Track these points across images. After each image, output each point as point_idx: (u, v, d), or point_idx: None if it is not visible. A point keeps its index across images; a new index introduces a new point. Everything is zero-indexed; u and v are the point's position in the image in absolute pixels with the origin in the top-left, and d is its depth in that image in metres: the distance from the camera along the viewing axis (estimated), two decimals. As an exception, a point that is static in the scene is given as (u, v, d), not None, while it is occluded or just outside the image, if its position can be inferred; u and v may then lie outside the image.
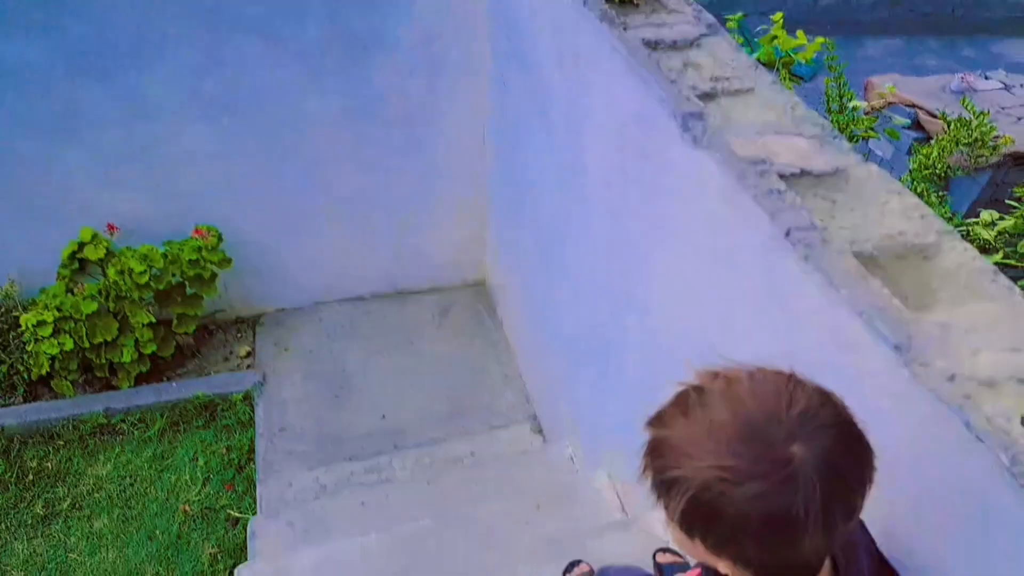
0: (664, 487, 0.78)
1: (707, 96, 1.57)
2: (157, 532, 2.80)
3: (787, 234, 1.23)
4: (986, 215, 2.85)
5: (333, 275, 3.47)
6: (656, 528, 2.02)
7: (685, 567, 1.82)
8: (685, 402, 0.80)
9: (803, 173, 1.37)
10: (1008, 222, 2.78)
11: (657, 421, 0.83)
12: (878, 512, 1.12)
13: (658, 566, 1.90)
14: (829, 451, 0.73)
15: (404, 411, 3.15)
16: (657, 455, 0.80)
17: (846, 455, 0.74)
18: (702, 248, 1.53)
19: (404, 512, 2.47)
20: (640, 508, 2.16)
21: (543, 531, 2.24)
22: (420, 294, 3.64)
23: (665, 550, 1.94)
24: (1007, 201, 3.24)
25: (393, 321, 3.50)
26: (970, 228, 2.82)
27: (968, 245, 1.22)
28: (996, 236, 2.79)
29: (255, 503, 2.81)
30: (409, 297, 3.62)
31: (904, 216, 1.29)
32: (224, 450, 3.03)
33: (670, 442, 0.78)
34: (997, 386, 1.00)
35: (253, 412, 3.12)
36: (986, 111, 4.17)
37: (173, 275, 2.99)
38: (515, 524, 2.28)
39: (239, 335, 3.45)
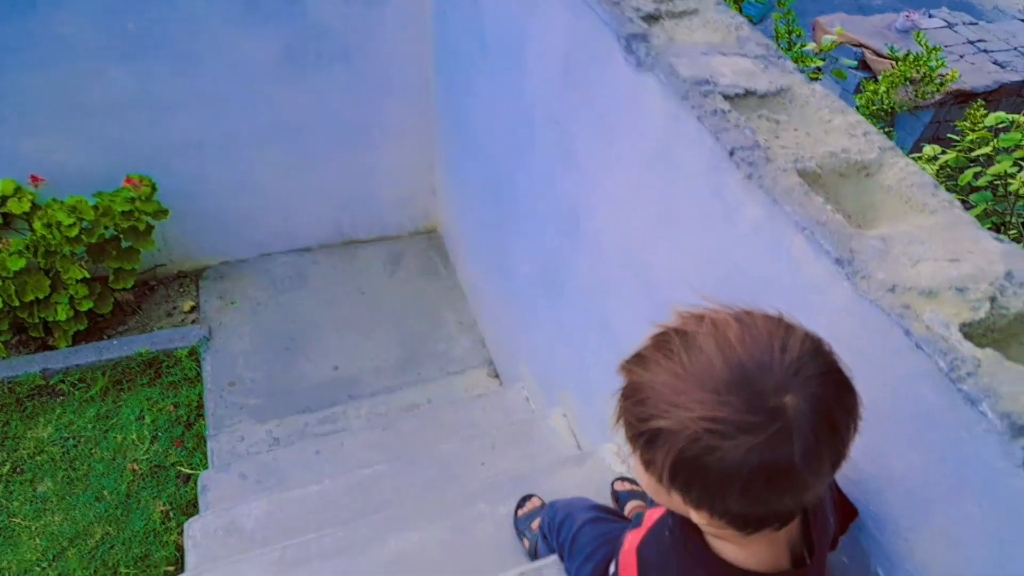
0: (646, 439, 0.72)
1: (651, 18, 1.52)
2: (105, 492, 2.73)
3: (731, 154, 1.20)
4: (929, 150, 2.89)
5: (278, 225, 3.37)
6: (609, 461, 2.04)
7: (643, 495, 1.84)
8: (667, 345, 0.73)
9: (747, 93, 1.35)
10: (949, 155, 2.82)
11: (637, 363, 0.75)
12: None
13: (616, 494, 1.92)
14: (822, 401, 0.69)
15: (357, 361, 3.11)
16: (637, 401, 0.73)
17: (838, 404, 0.71)
18: (649, 173, 1.51)
19: (359, 459, 2.45)
20: (593, 444, 2.18)
21: (499, 470, 2.25)
22: (370, 243, 3.56)
23: (623, 479, 1.96)
24: (949, 136, 3.29)
25: (343, 271, 3.42)
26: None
27: (910, 160, 1.22)
28: (938, 170, 2.84)
29: (206, 459, 2.76)
30: (359, 246, 3.54)
31: (847, 134, 1.28)
32: (171, 407, 2.95)
33: (652, 388, 0.71)
34: (936, 295, 1.00)
35: (200, 367, 3.04)
36: (938, 47, 4.21)
37: (106, 228, 2.86)
38: (471, 464, 2.28)
39: (182, 290, 3.34)
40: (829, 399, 0.70)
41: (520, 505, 1.93)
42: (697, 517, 0.78)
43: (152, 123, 2.86)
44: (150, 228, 2.99)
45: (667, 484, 0.73)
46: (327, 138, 3.13)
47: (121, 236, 2.96)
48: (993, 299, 0.99)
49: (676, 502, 0.77)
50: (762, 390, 0.68)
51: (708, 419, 0.67)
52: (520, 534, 1.88)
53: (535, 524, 1.84)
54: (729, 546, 0.86)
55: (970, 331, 0.97)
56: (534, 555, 1.78)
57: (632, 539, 1.02)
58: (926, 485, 0.96)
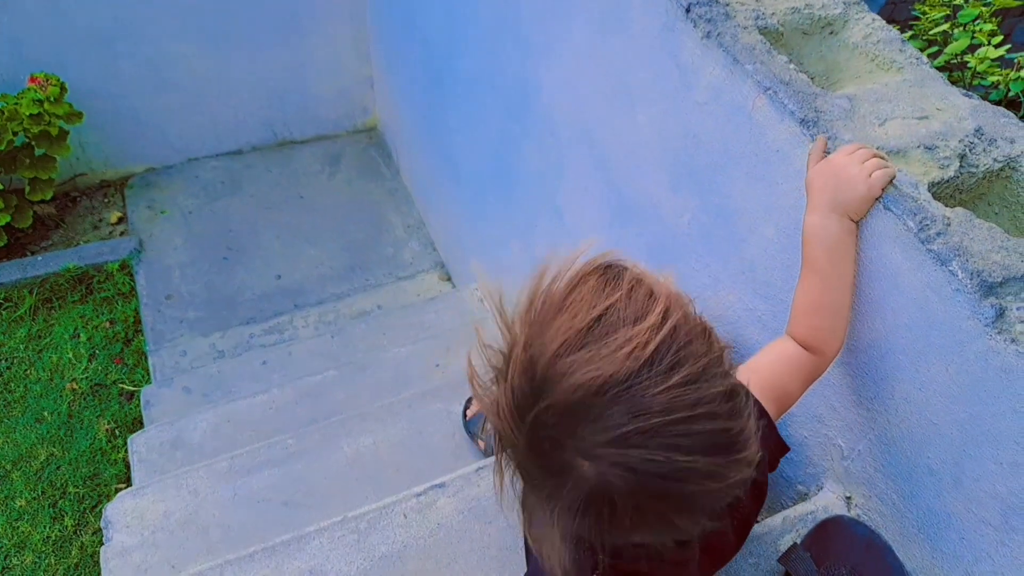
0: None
1: None
2: (45, 414, 2.63)
3: (688, 10, 1.10)
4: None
5: (205, 127, 3.15)
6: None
7: None
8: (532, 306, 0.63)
9: (703, -53, 1.24)
10: (907, 36, 2.75)
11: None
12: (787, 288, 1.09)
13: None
14: (633, 488, 0.57)
15: (301, 269, 2.99)
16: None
17: (659, 495, 0.58)
18: (600, 39, 1.39)
19: (308, 367, 2.38)
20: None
21: (453, 370, 2.20)
22: (306, 143, 3.37)
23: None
24: (909, 22, 3.20)
25: (278, 174, 3.24)
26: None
27: (876, 16, 1.14)
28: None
29: (148, 375, 2.66)
30: (294, 147, 3.35)
31: (810, -12, 1.19)
32: (107, 324, 2.82)
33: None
34: (905, 155, 0.94)
35: (134, 281, 2.90)
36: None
37: (14, 133, 2.63)
38: (426, 367, 2.23)
39: (107, 200, 3.13)
40: (645, 490, 0.57)
41: (467, 406, 1.87)
42: None
43: (52, 13, 2.59)
44: (64, 133, 2.77)
45: None
46: (250, 25, 2.89)
47: (33, 143, 2.73)
48: (963, 156, 0.94)
49: None
50: (552, 456, 0.59)
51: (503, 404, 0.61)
52: (472, 436, 1.83)
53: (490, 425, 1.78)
54: None
55: (939, 190, 0.92)
56: (489, 455, 1.74)
57: None
58: (891, 352, 0.93)
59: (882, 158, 0.91)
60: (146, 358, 2.71)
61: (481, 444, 1.79)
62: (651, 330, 0.56)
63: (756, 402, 0.88)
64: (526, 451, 0.61)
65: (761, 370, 0.95)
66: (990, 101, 1.31)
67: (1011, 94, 1.55)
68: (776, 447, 0.97)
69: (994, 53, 1.49)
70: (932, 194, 0.89)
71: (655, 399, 0.55)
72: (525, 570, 0.97)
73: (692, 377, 0.56)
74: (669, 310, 0.58)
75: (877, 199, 0.88)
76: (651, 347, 0.56)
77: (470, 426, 1.84)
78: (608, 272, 0.62)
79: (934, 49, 2.55)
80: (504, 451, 0.65)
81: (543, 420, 0.58)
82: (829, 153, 0.94)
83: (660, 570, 0.79)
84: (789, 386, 0.96)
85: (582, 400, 0.56)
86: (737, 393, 0.60)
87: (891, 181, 0.89)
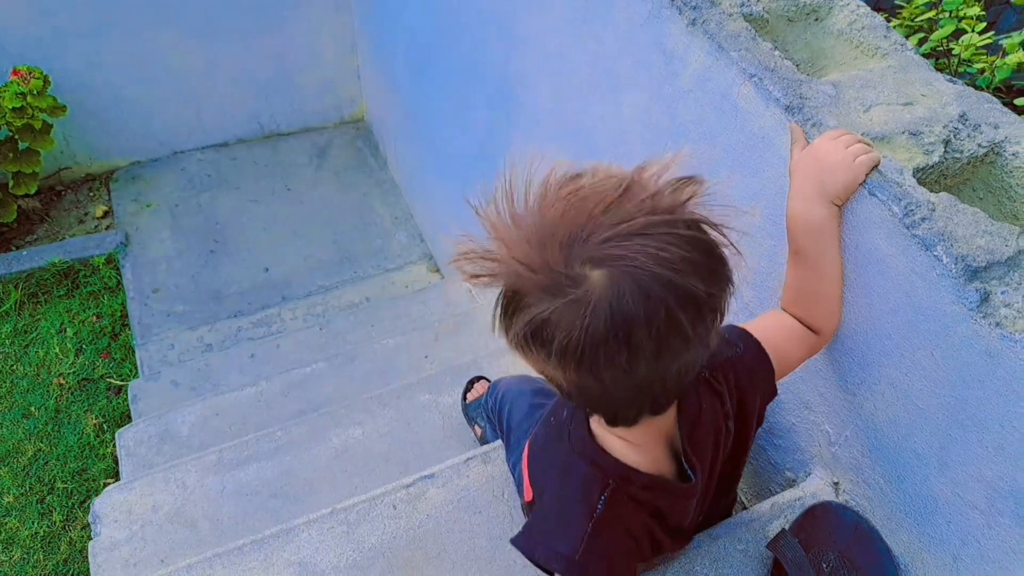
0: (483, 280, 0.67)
1: None
2: (32, 409, 2.61)
3: (672, -3, 1.10)
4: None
5: (190, 120, 3.13)
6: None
7: None
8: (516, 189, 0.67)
9: (688, -67, 1.23)
10: (893, 23, 2.75)
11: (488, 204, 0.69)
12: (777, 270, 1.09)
13: None
14: (637, 284, 0.61)
15: (288, 261, 2.98)
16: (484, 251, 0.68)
17: (665, 293, 0.61)
18: (585, 29, 1.39)
19: (297, 360, 2.36)
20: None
21: (442, 361, 2.20)
22: (292, 135, 3.35)
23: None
24: (895, 9, 3.21)
25: (265, 166, 3.22)
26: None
27: (860, 2, 1.13)
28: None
29: (136, 369, 2.64)
30: (280, 139, 3.33)
31: (795, -25, 1.18)
32: (94, 318, 2.80)
33: (495, 228, 0.66)
34: (890, 141, 0.94)
35: (120, 275, 2.87)
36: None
37: (-3, 127, 2.60)
38: (414, 357, 2.22)
39: (92, 194, 3.10)
40: (649, 285, 0.61)
41: (468, 389, 1.84)
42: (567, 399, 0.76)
43: (34, 5, 2.56)
44: (48, 127, 2.74)
45: (515, 346, 0.68)
46: (235, 17, 2.87)
47: (16, 136, 2.70)
48: (947, 142, 0.94)
49: (541, 367, 0.71)
50: (567, 255, 0.62)
51: (517, 260, 0.63)
52: (470, 420, 1.80)
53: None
54: (615, 440, 0.82)
55: (924, 176, 0.92)
56: (484, 443, 1.73)
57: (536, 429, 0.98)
58: (876, 338, 0.93)
59: (866, 143, 0.91)
60: (133, 352, 2.69)
61: (477, 431, 1.78)
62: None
63: (749, 335, 0.94)
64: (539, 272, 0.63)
65: (758, 329, 0.95)
66: (976, 88, 1.31)
67: (996, 81, 1.55)
68: (767, 382, 0.95)
69: (979, 40, 1.49)
70: (917, 179, 0.89)
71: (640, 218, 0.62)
72: (514, 560, 0.97)
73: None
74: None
75: (861, 184, 0.88)
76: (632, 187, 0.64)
77: (470, 410, 1.81)
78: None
79: (920, 36, 2.55)
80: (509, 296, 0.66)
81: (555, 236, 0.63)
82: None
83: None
84: (786, 348, 0.96)
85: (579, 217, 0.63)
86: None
87: (875, 166, 0.88)
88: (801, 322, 0.98)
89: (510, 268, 0.64)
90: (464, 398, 1.84)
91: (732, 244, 0.67)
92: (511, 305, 0.66)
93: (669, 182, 0.65)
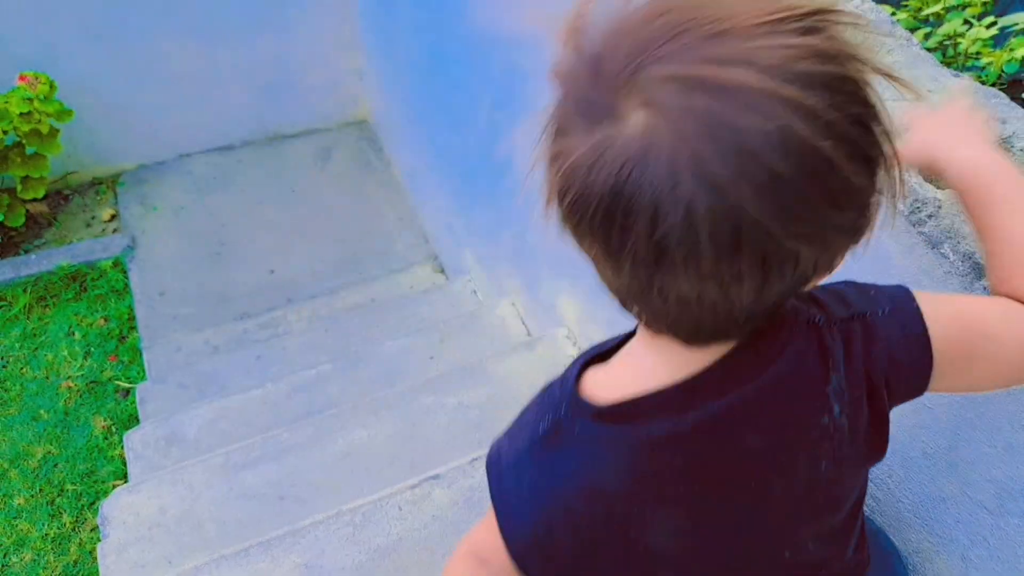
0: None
1: None
2: (41, 412, 2.62)
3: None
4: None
5: (195, 122, 3.14)
6: (560, 344, 2.00)
7: None
8: None
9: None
10: (900, 16, 2.74)
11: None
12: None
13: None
14: (696, 135, 0.43)
15: (294, 263, 2.99)
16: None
17: (747, 160, 0.42)
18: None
19: (303, 361, 2.37)
20: (544, 329, 2.14)
21: (448, 362, 2.20)
22: (296, 137, 3.36)
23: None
24: (900, 2, 3.19)
25: (270, 169, 3.23)
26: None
27: (864, -3, 1.13)
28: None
29: (144, 371, 2.66)
30: (285, 141, 3.34)
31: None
32: (101, 321, 2.82)
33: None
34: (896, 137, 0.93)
35: (127, 278, 2.89)
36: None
37: (5, 132, 2.62)
38: (419, 359, 2.23)
39: (99, 197, 3.12)
40: (741, 153, 0.42)
41: None
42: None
43: (40, 11, 2.58)
44: (55, 131, 2.76)
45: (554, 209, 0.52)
46: (238, 19, 2.89)
47: (24, 141, 2.73)
48: (953, 138, 0.93)
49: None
50: (610, 84, 0.45)
51: (555, 72, 0.49)
52: None
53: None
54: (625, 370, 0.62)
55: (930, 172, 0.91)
56: None
57: None
58: (882, 336, 0.93)
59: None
60: (141, 355, 2.71)
61: None
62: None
63: (909, 296, 0.65)
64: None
65: (938, 301, 0.66)
66: (983, 82, 1.30)
67: (1004, 75, 1.54)
68: (914, 366, 0.64)
69: (985, 33, 1.47)
70: (923, 177, 0.88)
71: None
72: None
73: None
74: None
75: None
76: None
77: None
78: None
79: (927, 30, 2.53)
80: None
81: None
82: None
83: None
84: (994, 328, 0.66)
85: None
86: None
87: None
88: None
89: (561, 63, 0.49)
90: None
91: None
92: (548, 122, 0.51)
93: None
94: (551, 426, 0.62)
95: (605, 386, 0.61)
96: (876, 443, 0.67)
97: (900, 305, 0.64)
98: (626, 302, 0.55)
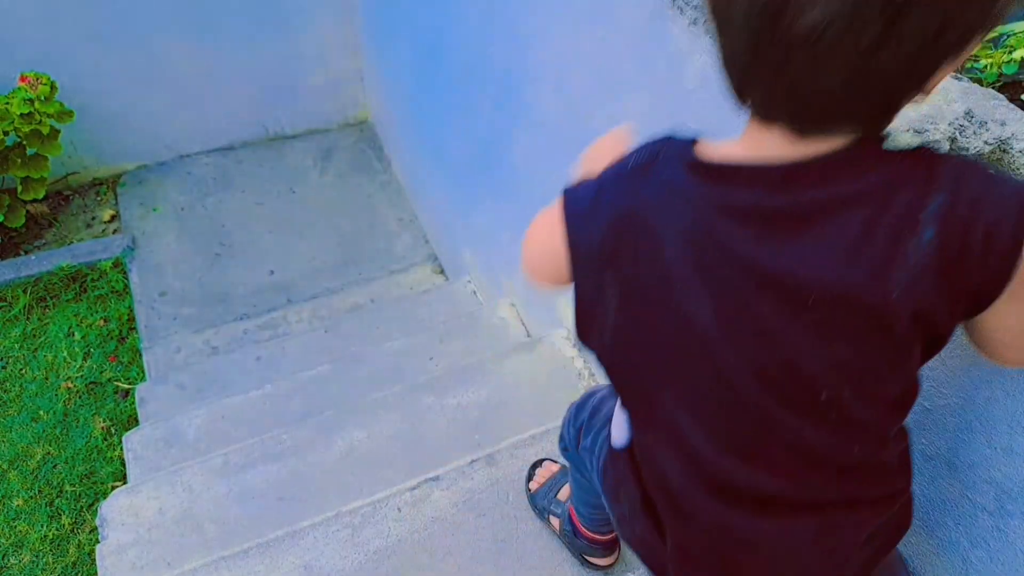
0: None
1: None
2: (41, 412, 2.62)
3: (674, -3, 1.09)
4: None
5: (195, 123, 3.14)
6: (560, 346, 2.00)
7: None
8: None
9: (691, -68, 1.22)
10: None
11: None
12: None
13: None
14: None
15: (293, 264, 2.99)
16: None
17: None
18: (586, 30, 1.38)
19: (303, 362, 2.37)
20: (543, 330, 2.14)
21: (447, 363, 2.20)
22: (296, 138, 3.36)
23: None
24: None
25: (270, 169, 3.23)
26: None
27: (865, -1, 1.13)
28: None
29: (143, 372, 2.66)
30: (285, 142, 3.34)
31: (799, -27, 1.18)
32: (101, 321, 2.82)
33: None
34: (894, 138, 0.93)
35: (127, 279, 2.89)
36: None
37: (5, 133, 2.62)
38: (419, 359, 2.23)
39: (99, 198, 3.12)
40: None
41: (530, 477, 1.48)
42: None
43: (42, 11, 2.58)
44: (55, 132, 2.76)
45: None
46: (238, 20, 2.88)
47: (24, 142, 2.72)
48: (953, 139, 0.93)
49: None
50: None
51: None
52: (542, 513, 1.42)
53: (563, 493, 1.36)
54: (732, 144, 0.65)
55: (930, 174, 0.91)
56: (564, 534, 1.37)
57: None
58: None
59: None
60: (140, 355, 2.70)
61: (554, 523, 1.40)
62: None
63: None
64: None
65: None
66: (981, 84, 1.30)
67: (1004, 77, 1.54)
68: (1009, 249, 0.56)
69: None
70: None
71: None
72: (519, 562, 0.94)
73: None
74: None
75: None
76: None
77: (537, 500, 1.44)
78: None
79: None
80: None
81: None
82: None
83: None
84: None
85: None
86: None
87: None
88: None
89: None
90: (528, 488, 1.49)
91: None
92: None
93: None
94: (644, 159, 0.64)
95: (710, 148, 0.63)
96: (935, 316, 0.58)
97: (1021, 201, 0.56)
98: (743, 86, 0.59)
